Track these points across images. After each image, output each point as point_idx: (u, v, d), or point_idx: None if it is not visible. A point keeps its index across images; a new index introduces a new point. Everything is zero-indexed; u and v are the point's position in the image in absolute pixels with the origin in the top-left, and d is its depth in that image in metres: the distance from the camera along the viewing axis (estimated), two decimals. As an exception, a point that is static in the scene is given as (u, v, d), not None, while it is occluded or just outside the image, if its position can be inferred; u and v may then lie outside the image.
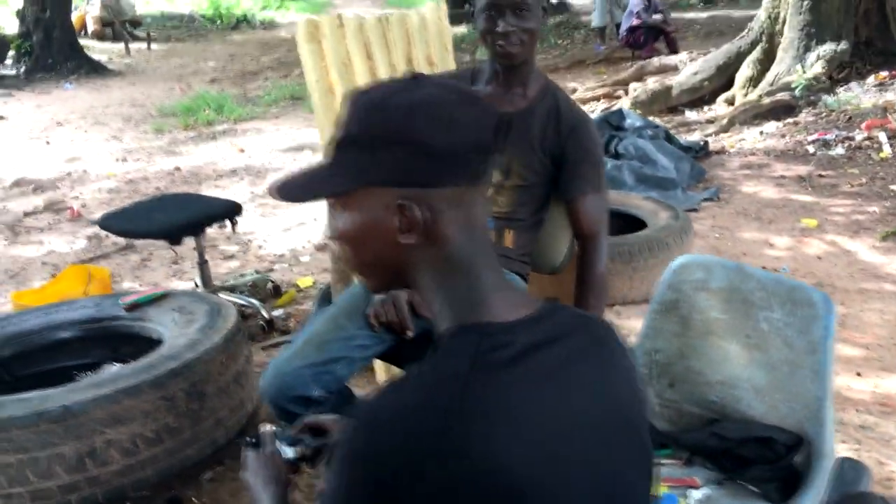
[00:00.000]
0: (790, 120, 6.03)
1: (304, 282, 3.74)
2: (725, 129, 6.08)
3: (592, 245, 2.01)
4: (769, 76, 6.94)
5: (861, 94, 6.44)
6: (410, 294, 1.84)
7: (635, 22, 10.50)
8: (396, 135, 0.93)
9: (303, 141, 6.78)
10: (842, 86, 6.68)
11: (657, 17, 10.53)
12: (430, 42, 2.74)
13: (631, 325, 2.96)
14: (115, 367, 2.45)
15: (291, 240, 4.34)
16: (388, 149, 0.93)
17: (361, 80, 2.53)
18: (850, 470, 1.47)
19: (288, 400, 1.83)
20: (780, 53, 7.04)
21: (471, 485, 0.83)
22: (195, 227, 3.16)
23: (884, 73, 6.69)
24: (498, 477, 0.84)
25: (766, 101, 6.26)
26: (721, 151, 5.52)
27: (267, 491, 1.20)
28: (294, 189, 1.01)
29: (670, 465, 1.71)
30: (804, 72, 6.73)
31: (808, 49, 6.88)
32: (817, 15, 6.83)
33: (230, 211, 3.27)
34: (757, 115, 6.19)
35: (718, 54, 7.45)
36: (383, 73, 2.60)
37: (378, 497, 0.85)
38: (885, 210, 4.28)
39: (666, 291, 1.79)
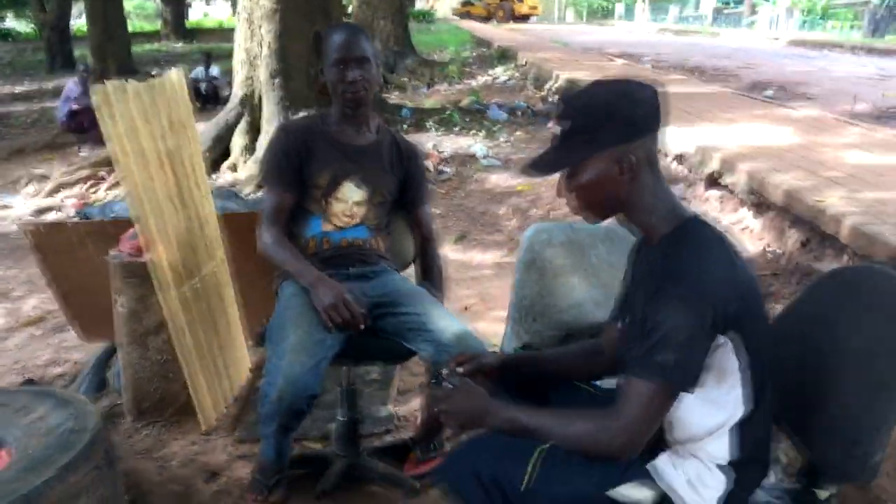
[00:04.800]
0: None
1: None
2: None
3: (432, 242, 2.65)
4: (262, 141, 7.93)
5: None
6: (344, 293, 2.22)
7: (75, 107, 10.43)
8: (609, 116, 1.54)
9: None
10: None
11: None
12: (180, 104, 2.94)
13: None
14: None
15: None
16: (605, 126, 1.54)
17: (146, 142, 2.65)
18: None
19: (303, 401, 2.06)
20: (264, 124, 8.07)
21: (749, 292, 1.51)
22: None
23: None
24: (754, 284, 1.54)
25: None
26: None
27: (498, 405, 1.58)
28: (544, 166, 1.54)
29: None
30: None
31: (287, 119, 8.04)
32: (288, 91, 8.05)
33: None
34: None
35: (210, 126, 8.14)
36: (158, 135, 2.75)
37: (714, 318, 1.44)
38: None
39: (525, 253, 2.53)
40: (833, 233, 3.66)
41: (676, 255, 1.46)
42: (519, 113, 9.06)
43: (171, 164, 2.80)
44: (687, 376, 1.41)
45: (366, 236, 2.47)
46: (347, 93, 2.40)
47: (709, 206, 5.07)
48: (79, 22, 24.57)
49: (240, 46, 8.21)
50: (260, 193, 6.38)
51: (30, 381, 3.36)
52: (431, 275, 2.60)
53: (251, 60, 8.13)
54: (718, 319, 1.40)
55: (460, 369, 1.71)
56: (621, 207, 1.57)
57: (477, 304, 4.08)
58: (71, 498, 1.95)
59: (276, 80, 7.97)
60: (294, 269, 2.32)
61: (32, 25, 25.82)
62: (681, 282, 1.41)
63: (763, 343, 1.48)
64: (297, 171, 2.42)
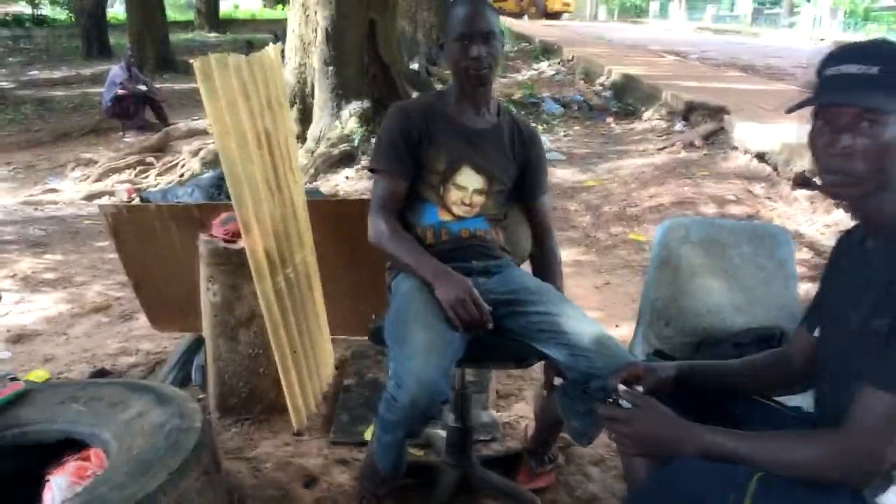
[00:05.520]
0: (360, 165, 6.91)
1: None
2: (314, 178, 6.66)
3: (551, 235, 2.43)
4: (313, 130, 7.75)
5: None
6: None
7: (120, 92, 10.35)
8: None
9: None
10: (373, 135, 7.83)
11: (141, 87, 10.56)
12: (277, 81, 2.76)
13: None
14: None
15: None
16: None
17: (246, 120, 2.47)
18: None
19: (437, 406, 1.86)
20: (316, 112, 7.89)
21: None
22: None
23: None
24: None
25: (336, 151, 7.02)
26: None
27: (694, 429, 1.36)
28: (868, 97, 1.28)
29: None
30: (343, 127, 7.71)
31: (339, 108, 7.88)
32: (342, 79, 7.87)
33: None
34: (332, 164, 6.90)
35: (262, 116, 7.98)
36: (257, 113, 2.56)
37: None
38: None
39: (659, 250, 2.31)
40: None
41: None
42: (575, 107, 8.82)
43: (268, 146, 2.62)
44: None
45: (486, 228, 2.26)
46: (471, 69, 2.19)
47: (797, 206, 4.82)
48: (111, 10, 24.59)
49: (293, 32, 8.04)
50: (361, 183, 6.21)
51: (101, 372, 3.19)
52: (551, 272, 2.39)
53: (304, 47, 7.97)
54: None
55: (637, 388, 1.49)
56: (887, 184, 1.32)
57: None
58: (182, 504, 1.76)
59: (330, 68, 7.79)
60: (414, 262, 2.12)
61: (68, 12, 25.88)
62: None
63: None
64: (414, 153, 2.22)
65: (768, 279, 2.31)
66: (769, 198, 5.00)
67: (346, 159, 7.11)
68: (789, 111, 1.37)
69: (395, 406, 1.88)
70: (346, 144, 7.23)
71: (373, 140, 7.70)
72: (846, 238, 1.48)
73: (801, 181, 4.89)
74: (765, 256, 2.31)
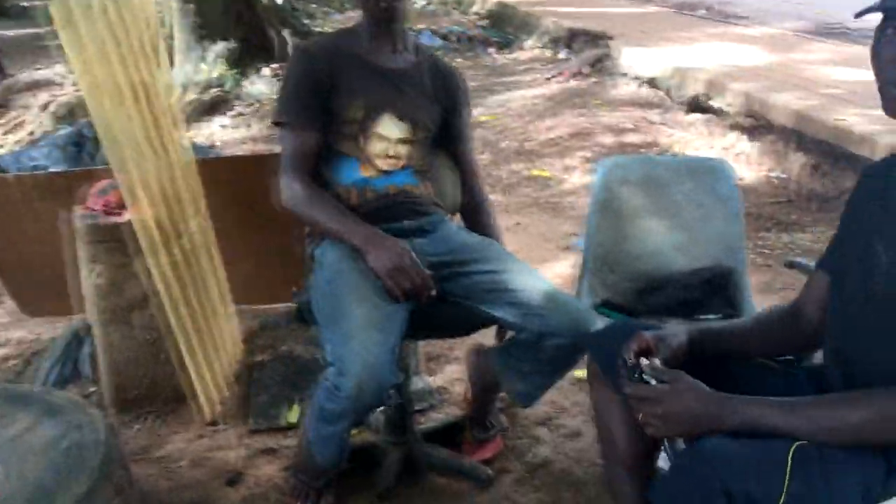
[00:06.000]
0: (235, 112, 6.44)
1: None
2: (185, 127, 6.15)
3: (481, 183, 2.22)
4: (177, 75, 7.15)
5: (266, 85, 7.19)
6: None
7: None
8: None
9: None
10: (244, 79, 7.32)
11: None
12: (150, 22, 2.37)
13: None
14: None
15: None
16: None
17: (119, 72, 2.11)
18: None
19: (384, 391, 1.66)
20: (178, 55, 7.29)
21: None
22: None
23: (274, 66, 7.55)
24: None
25: (207, 98, 6.51)
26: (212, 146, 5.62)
27: (735, 401, 1.19)
28: None
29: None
30: (210, 70, 7.18)
31: (203, 50, 7.32)
32: (203, 19, 7.30)
33: None
34: (203, 111, 6.40)
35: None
36: (131, 62, 2.19)
37: None
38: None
39: (599, 192, 2.14)
40: (867, 154, 3.42)
41: None
42: (454, 38, 8.53)
43: (147, 99, 2.25)
44: None
45: (415, 181, 2.03)
46: (381, 1, 1.91)
47: (693, 131, 4.79)
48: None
49: (146, -32, 7.33)
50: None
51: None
52: (488, 224, 2.17)
53: (160, -15, 7.30)
54: None
55: (656, 360, 1.30)
56: None
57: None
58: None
59: (190, 6, 7.22)
60: (340, 226, 1.86)
61: None
62: None
63: None
64: (325, 102, 1.94)
65: (710, 216, 2.18)
66: (664, 124, 4.96)
67: (219, 105, 6.61)
68: (857, 16, 1.19)
69: (339, 395, 1.64)
70: (216, 89, 6.73)
71: (245, 83, 7.25)
72: (882, 168, 1.31)
73: (696, 106, 4.86)
74: (705, 193, 2.18)
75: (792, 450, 1.12)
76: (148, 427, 2.37)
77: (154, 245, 2.16)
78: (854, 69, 5.12)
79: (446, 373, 2.61)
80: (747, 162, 4.31)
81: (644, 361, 1.27)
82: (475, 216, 2.18)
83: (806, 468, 1.11)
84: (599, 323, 1.82)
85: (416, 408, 2.38)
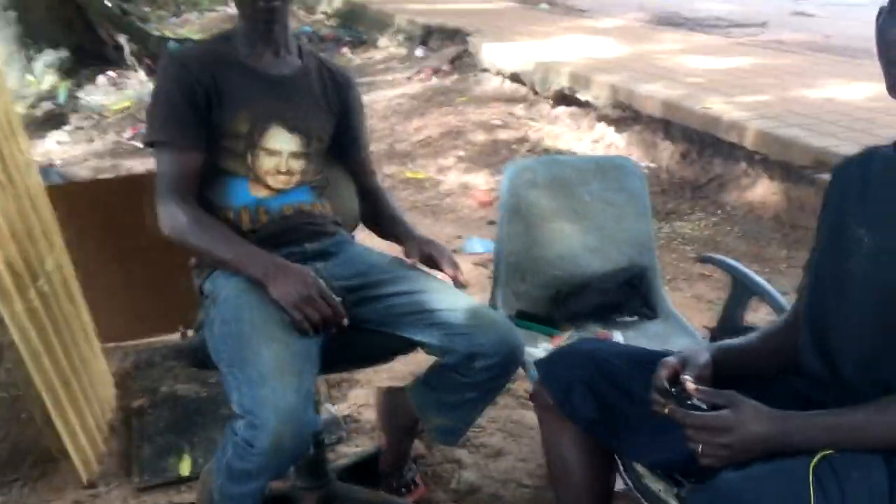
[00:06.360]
0: (72, 126, 5.93)
1: None
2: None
3: (381, 189, 2.05)
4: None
5: (104, 94, 6.70)
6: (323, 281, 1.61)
7: None
8: None
9: None
10: (79, 89, 6.78)
11: None
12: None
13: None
14: None
15: None
16: None
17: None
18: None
19: (307, 441, 1.48)
20: (2, 67, 6.64)
21: None
22: None
23: (111, 73, 7.04)
24: None
25: (39, 113, 5.97)
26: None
27: (798, 417, 1.10)
28: None
29: (569, 336, 2.03)
30: (39, 82, 6.60)
31: (30, 59, 6.72)
32: (27, 26, 6.70)
33: None
34: (35, 127, 5.84)
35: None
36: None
37: None
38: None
39: (507, 197, 2.03)
40: (735, 141, 3.50)
41: None
42: (305, 39, 8.25)
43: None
44: None
45: (312, 199, 1.84)
46: (261, 3, 1.71)
47: (561, 124, 4.80)
48: None
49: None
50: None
51: None
52: (404, 232, 1.96)
53: (-25, -10, 6.63)
54: None
55: (688, 382, 1.18)
56: None
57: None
58: None
59: (10, 13, 6.60)
60: (234, 255, 1.65)
61: None
62: None
63: None
64: (205, 116, 1.72)
65: (621, 215, 2.12)
66: (532, 118, 4.95)
67: (53, 120, 6.06)
68: None
69: (252, 453, 1.43)
70: (48, 103, 6.17)
71: (80, 96, 6.68)
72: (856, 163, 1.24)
73: (562, 99, 4.88)
74: (614, 191, 2.12)
75: (813, 464, 1.03)
76: (14, 498, 2.05)
77: (6, 290, 1.86)
78: (708, 57, 5.32)
79: (350, 399, 2.43)
80: (616, 152, 4.34)
81: (690, 385, 1.15)
82: (390, 228, 1.97)
83: (831, 478, 1.03)
84: (523, 338, 1.71)
85: (326, 442, 2.18)
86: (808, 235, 3.20)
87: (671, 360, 1.25)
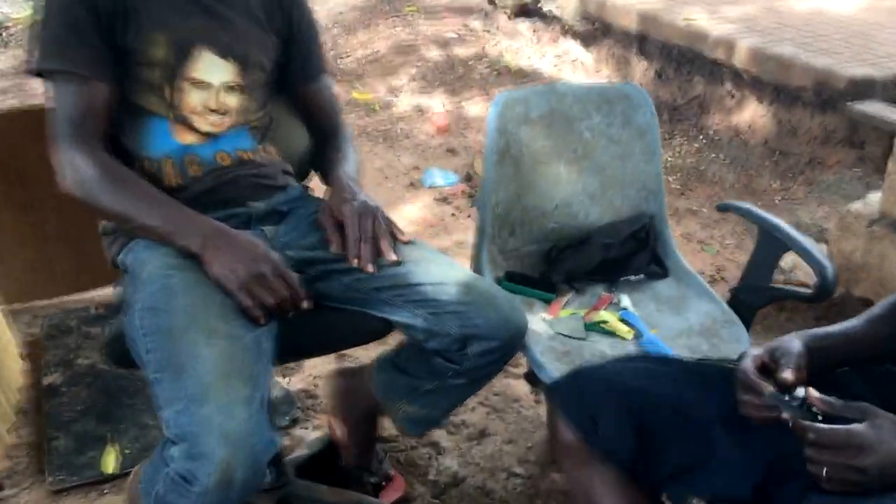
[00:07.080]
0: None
1: None
2: None
3: (343, 130, 1.65)
4: None
5: (8, 3, 6.01)
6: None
7: None
8: None
9: None
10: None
11: None
12: None
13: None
14: None
15: None
16: None
17: None
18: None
19: (261, 468, 1.13)
20: None
21: None
22: None
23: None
24: None
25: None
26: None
27: None
28: None
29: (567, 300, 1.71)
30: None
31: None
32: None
33: None
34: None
35: None
36: None
37: None
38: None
39: (494, 136, 1.68)
40: (722, 58, 3.16)
41: None
42: None
43: None
44: None
45: (254, 144, 1.46)
46: None
47: (521, 39, 4.39)
48: None
49: None
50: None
51: None
52: (345, 155, 1.57)
53: None
54: None
55: (811, 389, 0.94)
56: None
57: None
58: None
59: None
60: (159, 222, 1.28)
61: None
62: None
63: None
64: (111, 38, 1.31)
65: (626, 154, 1.79)
66: (489, 31, 4.52)
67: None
68: None
69: (191, 490, 1.09)
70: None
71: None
72: None
73: (522, 10, 4.45)
74: (619, 126, 1.77)
75: None
76: None
77: None
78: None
79: (304, 370, 2.09)
80: (584, 71, 3.98)
81: (814, 394, 0.92)
82: (340, 163, 1.56)
83: None
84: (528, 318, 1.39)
85: (279, 424, 1.85)
86: (800, 164, 2.93)
87: (758, 351, 1.02)
